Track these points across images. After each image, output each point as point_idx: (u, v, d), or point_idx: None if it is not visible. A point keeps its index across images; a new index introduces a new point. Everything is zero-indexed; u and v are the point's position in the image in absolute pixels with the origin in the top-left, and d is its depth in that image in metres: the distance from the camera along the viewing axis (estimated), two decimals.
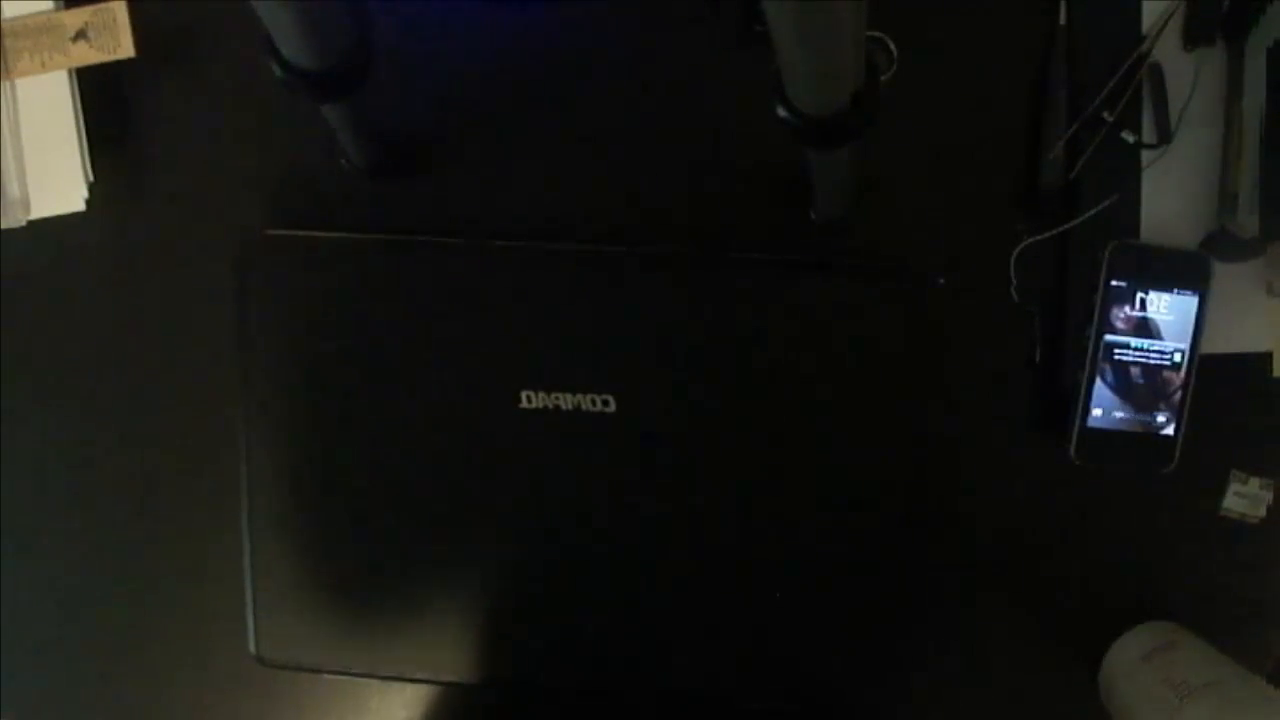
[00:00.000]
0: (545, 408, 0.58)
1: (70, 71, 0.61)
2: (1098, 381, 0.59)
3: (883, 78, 0.59)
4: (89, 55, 0.60)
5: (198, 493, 0.63)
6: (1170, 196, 0.59)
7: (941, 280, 0.60)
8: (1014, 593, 0.62)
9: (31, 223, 0.61)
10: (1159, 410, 0.59)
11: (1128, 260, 0.58)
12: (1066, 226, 0.59)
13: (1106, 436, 0.59)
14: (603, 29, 0.61)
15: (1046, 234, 0.59)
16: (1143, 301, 0.59)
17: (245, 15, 0.46)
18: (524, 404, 0.58)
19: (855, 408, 0.58)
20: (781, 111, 0.45)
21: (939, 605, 0.62)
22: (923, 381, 0.59)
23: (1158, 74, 0.59)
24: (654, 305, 0.59)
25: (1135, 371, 0.59)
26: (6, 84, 0.60)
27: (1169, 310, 0.59)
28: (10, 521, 0.64)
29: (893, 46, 0.59)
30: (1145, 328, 0.59)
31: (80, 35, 0.60)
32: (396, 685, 0.63)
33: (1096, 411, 0.59)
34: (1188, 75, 0.58)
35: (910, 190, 0.61)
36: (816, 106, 0.44)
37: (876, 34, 0.59)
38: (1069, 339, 0.60)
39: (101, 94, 0.62)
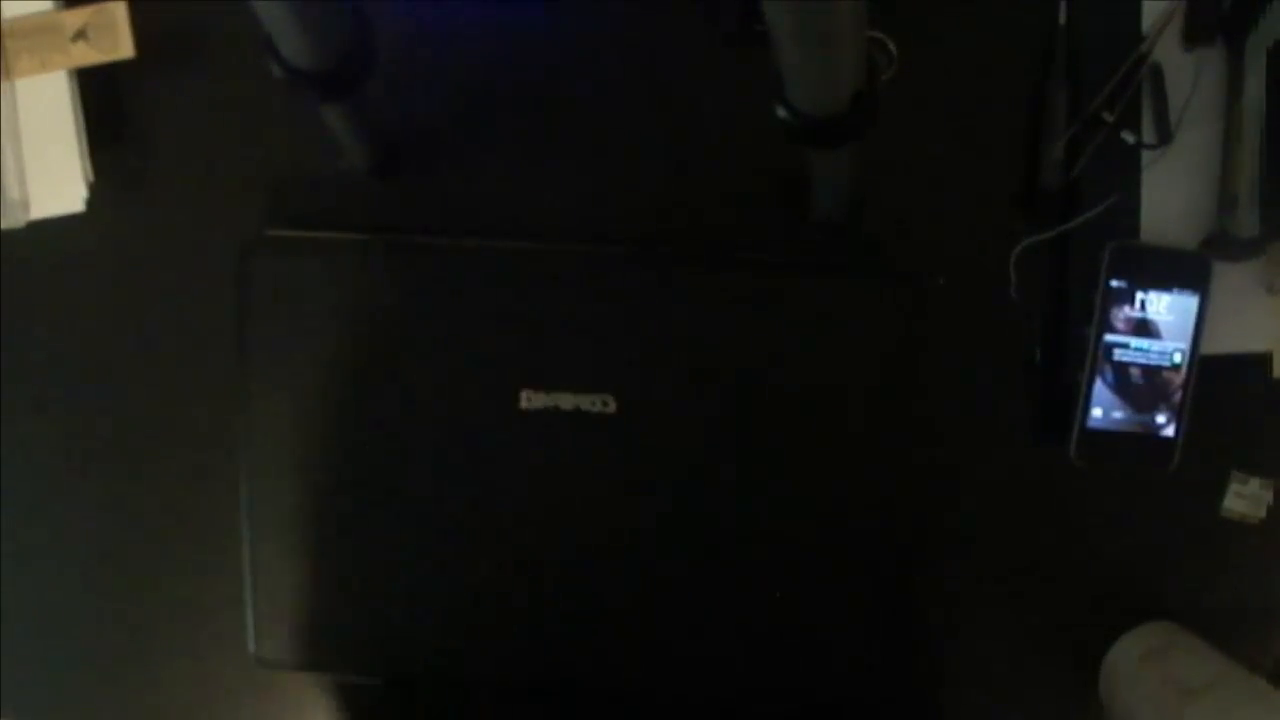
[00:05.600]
0: (545, 408, 0.58)
1: (70, 71, 0.61)
2: (1098, 381, 0.59)
3: (883, 78, 0.59)
4: (89, 55, 0.60)
5: (197, 492, 0.63)
6: (1170, 196, 0.59)
7: (942, 280, 0.60)
8: (1014, 593, 0.62)
9: (31, 223, 0.61)
10: (1159, 410, 0.59)
11: (1128, 260, 0.58)
12: (1066, 226, 0.59)
13: (1106, 437, 0.59)
14: (602, 29, 0.61)
15: (1046, 234, 0.59)
16: (1142, 302, 0.59)
17: (245, 15, 0.46)
18: (524, 404, 0.58)
19: (855, 407, 0.58)
20: (781, 111, 0.45)
21: (939, 605, 0.62)
22: (922, 381, 0.59)
23: (1158, 74, 0.59)
24: (654, 305, 0.59)
25: (1135, 372, 0.59)
26: (6, 84, 0.60)
27: (1169, 310, 0.59)
28: (10, 521, 0.64)
29: (893, 46, 0.59)
30: (1145, 328, 0.59)
31: (80, 35, 0.60)
32: (395, 685, 0.63)
33: (1096, 411, 0.59)
34: (1188, 75, 0.58)
35: (910, 190, 0.61)
36: (816, 106, 0.44)
37: (876, 34, 0.59)
38: (1069, 339, 0.60)
39: (101, 94, 0.62)
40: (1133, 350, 0.59)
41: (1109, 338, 0.59)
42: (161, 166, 0.63)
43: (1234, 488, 0.61)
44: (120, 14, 0.60)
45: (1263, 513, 0.61)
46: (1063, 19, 0.59)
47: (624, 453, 0.59)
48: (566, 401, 0.58)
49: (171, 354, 0.63)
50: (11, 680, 0.64)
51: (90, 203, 0.61)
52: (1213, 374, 0.59)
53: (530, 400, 0.58)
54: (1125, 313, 0.59)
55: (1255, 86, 0.57)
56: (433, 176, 0.62)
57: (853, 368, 0.58)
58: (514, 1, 0.61)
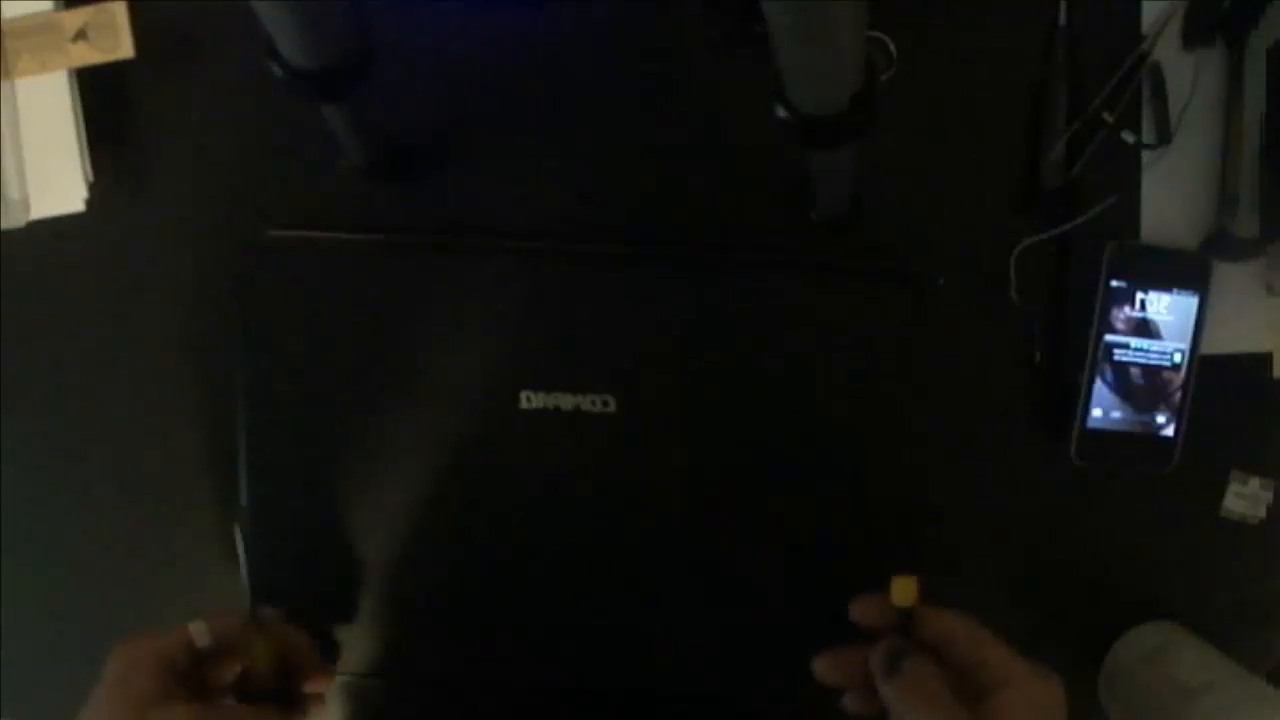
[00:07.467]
0: (545, 408, 0.58)
1: (70, 71, 0.61)
2: (1098, 382, 0.59)
3: (883, 78, 0.59)
4: (89, 55, 0.60)
5: (197, 493, 0.63)
6: (1170, 196, 0.60)
7: (941, 280, 0.60)
8: (1014, 593, 0.62)
9: (31, 223, 0.61)
10: (1159, 410, 0.59)
11: (1128, 260, 0.59)
12: (1066, 226, 0.59)
13: (1106, 437, 0.59)
14: (602, 29, 0.61)
15: (1046, 234, 0.59)
16: (1143, 302, 0.59)
17: (245, 15, 0.46)
18: (524, 404, 0.58)
19: (855, 407, 0.58)
20: (781, 111, 0.45)
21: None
22: (922, 381, 0.59)
23: (1158, 74, 0.59)
24: (654, 305, 0.59)
25: (1135, 372, 0.59)
26: (6, 84, 0.60)
27: (1169, 310, 0.59)
28: (10, 521, 0.64)
29: (893, 46, 0.59)
30: (1145, 328, 0.59)
31: (80, 35, 0.60)
32: (395, 684, 0.63)
33: (1096, 412, 0.59)
34: (1188, 75, 0.58)
35: (910, 190, 0.61)
36: (816, 106, 0.44)
37: (876, 34, 0.59)
38: (1069, 339, 0.60)
39: (101, 94, 0.62)
40: (1133, 350, 0.59)
41: (1109, 338, 0.59)
42: (161, 166, 0.63)
43: (1234, 488, 0.61)
44: (120, 14, 0.60)
45: (1263, 513, 0.61)
46: (1063, 19, 0.59)
47: (624, 453, 0.59)
48: (566, 401, 0.58)
49: (171, 354, 0.63)
50: (11, 680, 0.64)
51: (90, 203, 0.61)
52: (1213, 374, 0.59)
53: (530, 400, 0.58)
54: (1125, 313, 0.59)
55: (1255, 86, 0.57)
56: (433, 176, 0.62)
57: (852, 368, 0.58)
58: (513, 1, 0.61)
